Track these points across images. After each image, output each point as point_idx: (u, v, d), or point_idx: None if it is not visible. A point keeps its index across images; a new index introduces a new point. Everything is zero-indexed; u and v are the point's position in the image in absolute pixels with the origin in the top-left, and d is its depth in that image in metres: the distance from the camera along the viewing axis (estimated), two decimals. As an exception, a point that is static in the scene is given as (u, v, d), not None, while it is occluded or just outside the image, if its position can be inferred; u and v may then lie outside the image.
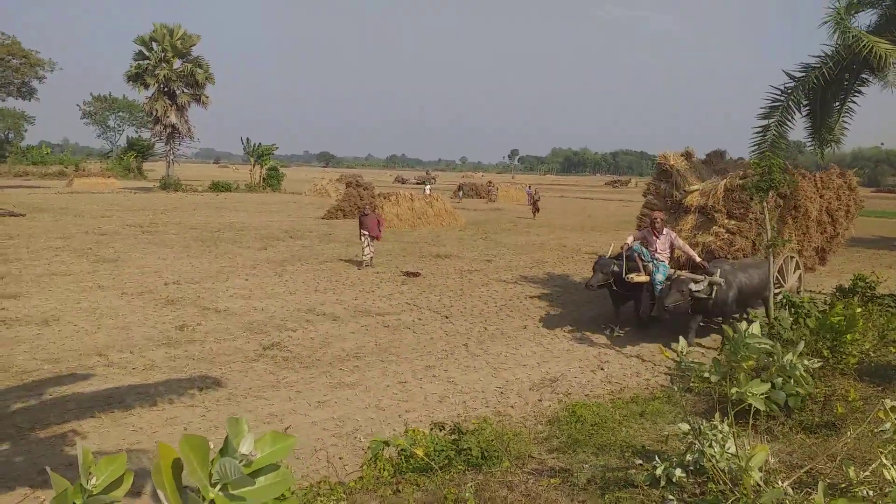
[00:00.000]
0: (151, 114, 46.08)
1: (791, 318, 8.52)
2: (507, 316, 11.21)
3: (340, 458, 5.59)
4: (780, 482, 3.82)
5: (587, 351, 9.20)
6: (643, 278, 9.67)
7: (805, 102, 11.11)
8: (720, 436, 4.18)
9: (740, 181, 10.21)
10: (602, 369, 8.41)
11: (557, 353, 9.07)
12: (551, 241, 22.84)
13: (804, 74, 10.55)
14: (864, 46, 9.62)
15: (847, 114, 11.97)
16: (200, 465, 1.44)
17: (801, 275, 11.00)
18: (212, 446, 1.53)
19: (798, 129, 11.74)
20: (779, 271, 10.20)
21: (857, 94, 11.91)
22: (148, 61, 45.01)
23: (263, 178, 50.83)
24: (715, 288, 8.92)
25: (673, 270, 9.62)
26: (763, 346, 4.03)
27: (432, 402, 7.12)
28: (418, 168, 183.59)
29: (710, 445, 4.12)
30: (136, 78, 44.91)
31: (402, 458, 4.71)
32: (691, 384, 6.97)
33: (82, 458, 1.52)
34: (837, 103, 11.64)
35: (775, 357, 5.43)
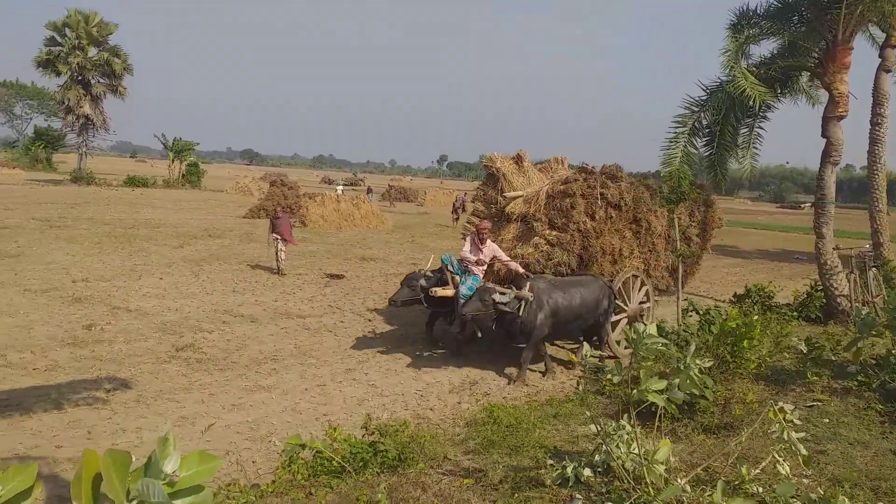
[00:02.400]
0: (63, 103, 43.66)
1: (696, 325, 8.96)
2: (429, 319, 11.26)
3: (254, 462, 5.49)
4: (678, 480, 4.02)
5: (507, 353, 9.35)
6: (448, 292, 8.70)
7: (706, 124, 11.63)
8: (626, 436, 4.37)
9: (562, 187, 9.43)
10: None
11: (477, 357, 9.20)
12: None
13: (707, 97, 11.10)
14: (737, 87, 10.30)
15: (756, 139, 12.70)
16: (119, 480, 1.41)
17: (649, 294, 9.95)
18: (134, 459, 1.49)
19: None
20: (618, 292, 9.39)
21: (763, 119, 12.66)
22: (60, 48, 42.67)
23: (183, 175, 49.10)
24: (523, 303, 7.99)
25: (483, 283, 8.62)
26: (660, 347, 4.22)
27: (351, 404, 7.08)
28: (346, 169, 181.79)
29: (617, 446, 4.30)
30: (47, 64, 42.44)
31: (318, 461, 4.68)
32: (603, 387, 7.27)
33: None
34: (745, 129, 12.29)
35: (672, 358, 5.72)
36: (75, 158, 46.82)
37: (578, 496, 3.99)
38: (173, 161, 50.20)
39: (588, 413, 4.35)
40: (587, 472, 4.40)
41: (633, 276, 9.58)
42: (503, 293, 7.91)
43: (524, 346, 8.43)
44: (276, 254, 14.63)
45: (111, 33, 44.38)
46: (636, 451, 4.13)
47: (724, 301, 12.95)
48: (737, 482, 4.18)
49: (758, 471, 4.18)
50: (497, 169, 10.34)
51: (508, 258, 9.12)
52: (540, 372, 8.72)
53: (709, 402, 6.05)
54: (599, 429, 4.37)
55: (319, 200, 26.77)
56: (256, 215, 27.43)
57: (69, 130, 46.23)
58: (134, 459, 1.52)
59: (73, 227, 19.53)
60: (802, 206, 71.95)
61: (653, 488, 3.73)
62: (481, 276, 9.07)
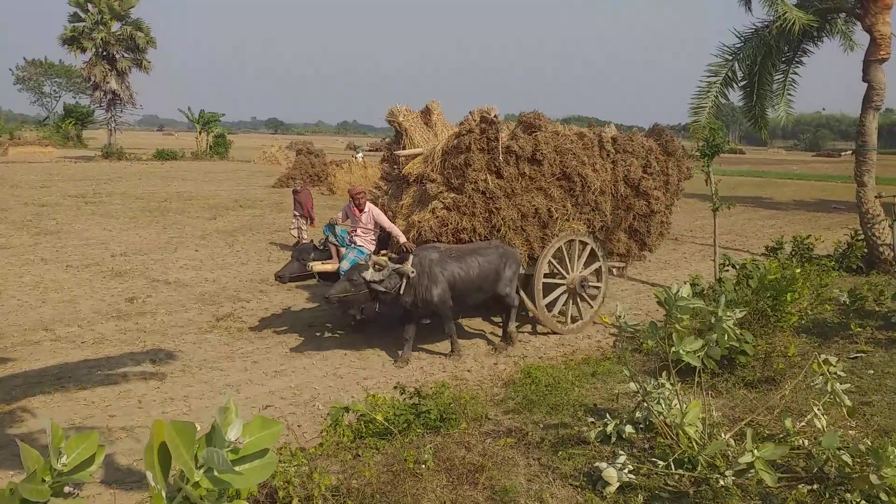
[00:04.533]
0: (90, 79, 44.03)
1: (734, 279, 8.84)
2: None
3: (299, 426, 5.63)
4: (722, 434, 4.03)
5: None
6: (328, 267, 7.86)
7: (742, 75, 11.21)
8: (666, 393, 4.37)
9: (455, 141, 8.05)
10: (554, 332, 8.60)
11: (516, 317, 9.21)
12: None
13: (741, 45, 10.73)
14: (785, 21, 9.78)
15: (791, 86, 12.30)
16: (187, 449, 1.45)
17: (600, 263, 8.78)
18: (198, 427, 1.54)
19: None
20: (555, 259, 8.30)
21: (798, 65, 12.24)
22: (84, 23, 42.90)
23: (210, 146, 49.46)
24: (404, 280, 7.06)
25: (368, 256, 7.55)
26: (694, 305, 4.19)
27: (390, 368, 7.19)
28: (371, 135, 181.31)
29: (658, 402, 4.31)
30: (72, 41, 42.74)
31: (362, 423, 4.78)
32: (640, 345, 7.25)
33: (52, 436, 1.50)
34: (780, 75, 11.90)
35: (706, 316, 5.67)
36: (104, 134, 47.46)
37: (622, 452, 4.03)
38: (200, 133, 50.57)
39: (627, 372, 4.34)
40: (629, 428, 4.44)
41: (570, 241, 8.33)
42: (379, 269, 6.95)
43: (429, 322, 7.87)
44: (298, 233, 13.38)
45: (132, 6, 44.37)
46: (677, 407, 4.15)
47: (760, 255, 12.74)
48: (781, 435, 4.17)
49: (803, 423, 4.16)
50: (399, 124, 9.00)
51: (392, 225, 8.03)
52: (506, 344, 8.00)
53: (749, 357, 6.01)
54: (639, 386, 4.38)
55: (346, 167, 26.79)
56: (285, 184, 27.52)
57: (97, 106, 46.75)
58: (198, 427, 1.56)
59: (108, 203, 19.89)
60: (842, 153, 69.79)
61: (696, 443, 3.74)
62: (371, 247, 8.12)
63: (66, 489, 1.54)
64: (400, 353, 7.39)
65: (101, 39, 42.68)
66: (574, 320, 8.71)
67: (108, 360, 7.08)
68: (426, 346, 7.85)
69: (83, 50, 42.98)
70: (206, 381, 6.61)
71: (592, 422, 4.63)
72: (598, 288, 8.97)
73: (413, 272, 7.04)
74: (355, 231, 8.18)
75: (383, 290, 6.93)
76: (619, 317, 4.22)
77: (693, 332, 5.42)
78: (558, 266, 8.34)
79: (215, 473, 1.46)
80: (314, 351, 7.61)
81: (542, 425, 4.82)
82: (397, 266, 7.02)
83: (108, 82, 43.54)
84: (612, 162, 8.58)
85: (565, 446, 4.33)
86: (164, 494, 1.47)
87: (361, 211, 8.14)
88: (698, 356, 4.13)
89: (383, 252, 7.83)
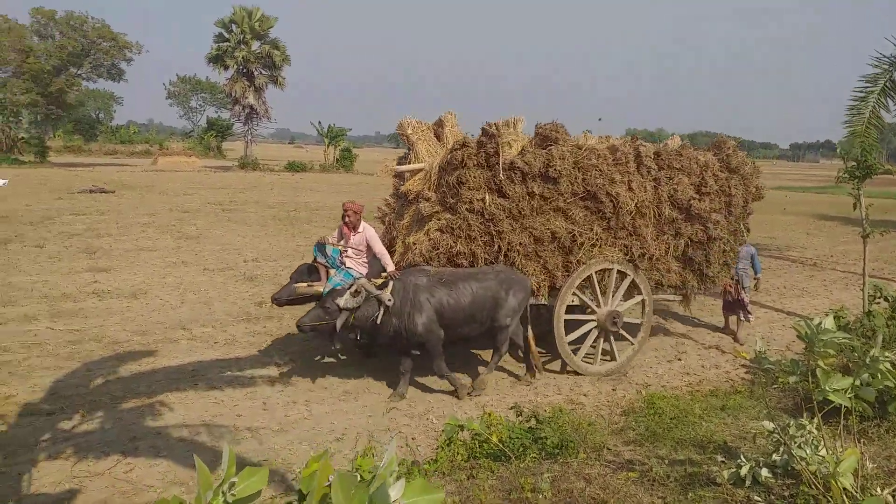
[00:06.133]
0: (231, 95, 47.48)
1: (886, 313, 8.01)
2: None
3: (413, 439, 5.65)
4: (878, 489, 3.61)
5: (663, 340, 8.95)
6: (311, 290, 7.07)
7: None
8: (810, 437, 3.98)
9: (448, 156, 7.19)
10: (679, 360, 8.18)
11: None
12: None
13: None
14: None
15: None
16: (347, 501, 1.43)
17: (645, 298, 7.61)
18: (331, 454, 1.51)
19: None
20: (581, 289, 7.33)
21: None
22: (227, 43, 46.31)
23: (337, 159, 51.73)
24: (382, 308, 6.39)
25: (356, 279, 6.65)
26: (842, 340, 3.78)
27: (503, 386, 7.10)
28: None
29: (800, 446, 3.93)
30: (217, 59, 46.31)
31: (476, 442, 4.71)
32: (776, 379, 6.72)
33: (227, 463, 1.52)
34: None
35: (857, 352, 5.13)
36: (242, 146, 50.88)
37: (758, 497, 3.70)
38: (328, 146, 53.04)
39: (764, 410, 3.99)
40: (765, 472, 4.07)
41: (602, 270, 7.31)
42: (355, 295, 6.30)
43: (416, 355, 6.82)
44: None
45: (271, 27, 47.47)
46: (824, 453, 3.76)
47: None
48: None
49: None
50: (406, 137, 8.20)
51: (382, 250, 7.21)
52: (517, 378, 7.42)
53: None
54: (778, 426, 4.02)
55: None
56: (405, 196, 28.24)
57: (236, 120, 50.34)
58: (331, 454, 1.54)
59: (243, 211, 21.19)
60: None
61: (852, 498, 3.36)
62: (363, 269, 7.26)
63: None
64: (395, 388, 6.71)
65: (242, 57, 45.89)
66: (610, 360, 7.63)
67: (237, 360, 7.46)
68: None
69: (226, 67, 46.44)
70: (326, 387, 6.81)
71: (723, 461, 4.30)
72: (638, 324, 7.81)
73: (391, 300, 6.37)
74: (346, 252, 7.35)
75: (353, 319, 6.32)
76: (761, 352, 3.89)
77: (838, 368, 4.94)
78: (588, 297, 7.38)
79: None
80: (430, 364, 7.64)
81: (666, 460, 4.53)
82: (377, 292, 6.38)
83: (246, 97, 46.74)
84: (654, 180, 7.47)
85: (693, 486, 4.04)
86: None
87: (354, 230, 7.29)
88: (848, 397, 3.73)
89: (383, 275, 6.96)
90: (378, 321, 6.38)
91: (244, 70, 46.80)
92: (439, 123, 8.42)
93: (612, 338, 7.55)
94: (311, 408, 6.27)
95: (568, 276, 7.18)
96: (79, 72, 50.56)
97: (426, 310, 6.46)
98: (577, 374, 7.44)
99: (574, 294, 7.31)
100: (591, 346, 7.56)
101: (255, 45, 47.03)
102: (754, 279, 9.11)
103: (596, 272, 7.27)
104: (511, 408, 5.18)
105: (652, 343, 8.75)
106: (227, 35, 46.54)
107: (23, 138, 46.06)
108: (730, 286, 8.78)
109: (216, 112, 77.32)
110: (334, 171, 49.34)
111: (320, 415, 6.10)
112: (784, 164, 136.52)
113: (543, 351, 7.97)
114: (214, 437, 5.48)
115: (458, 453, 4.62)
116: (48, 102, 47.22)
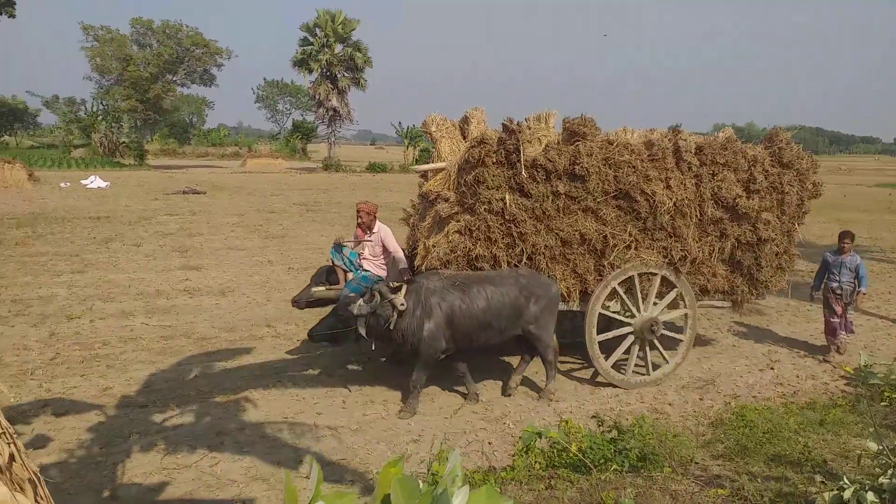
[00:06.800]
0: (315, 97, 48.89)
1: None
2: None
3: (490, 444, 5.57)
4: None
5: (754, 348, 8.50)
6: (329, 294, 6.81)
7: None
8: (925, 460, 3.65)
9: (468, 152, 6.70)
10: (772, 369, 7.74)
11: (719, 348, 8.48)
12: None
13: None
14: None
15: None
16: None
17: (689, 308, 7.09)
18: (406, 458, 1.47)
19: None
20: (614, 295, 6.89)
21: None
22: (312, 47, 47.66)
23: (416, 160, 52.34)
24: (395, 313, 6.02)
25: (374, 283, 6.35)
26: None
27: (583, 393, 6.91)
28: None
29: (912, 470, 3.61)
30: (302, 63, 47.77)
31: (555, 451, 4.59)
32: (881, 392, 6.25)
33: (315, 482, 1.51)
34: None
35: None
36: (325, 147, 52.27)
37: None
38: (407, 147, 53.74)
39: (869, 427, 3.69)
40: (871, 496, 3.76)
41: (640, 274, 6.82)
42: (368, 301, 5.99)
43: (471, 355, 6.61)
44: None
45: (354, 29, 48.53)
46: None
47: None
48: None
49: None
50: (430, 134, 7.91)
51: (397, 248, 7.10)
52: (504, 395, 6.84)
53: None
54: (885, 447, 3.70)
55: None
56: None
57: (320, 122, 51.81)
58: (406, 458, 1.49)
59: (326, 211, 21.71)
60: None
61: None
62: (381, 272, 7.09)
63: None
64: (406, 401, 6.39)
65: (326, 61, 47.14)
66: (648, 371, 7.16)
67: (317, 359, 7.61)
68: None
69: (310, 71, 47.83)
70: (403, 388, 6.82)
71: (823, 482, 4.01)
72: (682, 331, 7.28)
73: (403, 304, 6.01)
74: (363, 254, 7.21)
75: (363, 326, 5.99)
76: (866, 366, 3.60)
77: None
78: (624, 303, 6.93)
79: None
80: (507, 367, 7.55)
81: (759, 478, 4.27)
82: (391, 296, 6.01)
83: (329, 100, 47.99)
84: (696, 176, 6.87)
85: (789, 508, 3.79)
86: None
87: (369, 231, 7.19)
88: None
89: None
90: (392, 326, 6.09)
91: (328, 73, 48.05)
92: (465, 120, 8.17)
93: (647, 347, 7.10)
94: (389, 407, 6.30)
95: (601, 280, 6.81)
96: (174, 78, 53.39)
97: (435, 315, 6.10)
98: (661, 381, 7.17)
99: (607, 300, 6.92)
100: (628, 355, 7.13)
101: (338, 48, 48.17)
102: (859, 294, 8.02)
103: (630, 276, 6.82)
104: (592, 416, 5.03)
105: (742, 350, 8.34)
106: (311, 39, 47.92)
107: (124, 142, 49.12)
108: (834, 301, 7.97)
109: (301, 115, 79.95)
110: (413, 171, 49.93)
111: (394, 415, 6.13)
112: (887, 159, 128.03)
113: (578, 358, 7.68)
114: (296, 435, 5.59)
115: (536, 462, 4.52)
116: (146, 108, 50.13)
